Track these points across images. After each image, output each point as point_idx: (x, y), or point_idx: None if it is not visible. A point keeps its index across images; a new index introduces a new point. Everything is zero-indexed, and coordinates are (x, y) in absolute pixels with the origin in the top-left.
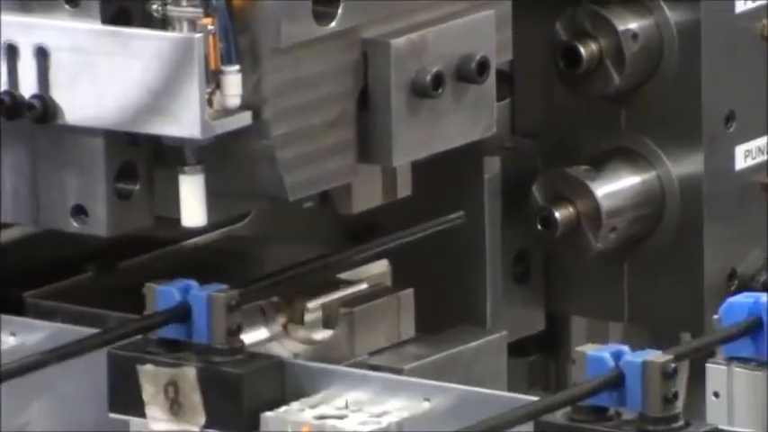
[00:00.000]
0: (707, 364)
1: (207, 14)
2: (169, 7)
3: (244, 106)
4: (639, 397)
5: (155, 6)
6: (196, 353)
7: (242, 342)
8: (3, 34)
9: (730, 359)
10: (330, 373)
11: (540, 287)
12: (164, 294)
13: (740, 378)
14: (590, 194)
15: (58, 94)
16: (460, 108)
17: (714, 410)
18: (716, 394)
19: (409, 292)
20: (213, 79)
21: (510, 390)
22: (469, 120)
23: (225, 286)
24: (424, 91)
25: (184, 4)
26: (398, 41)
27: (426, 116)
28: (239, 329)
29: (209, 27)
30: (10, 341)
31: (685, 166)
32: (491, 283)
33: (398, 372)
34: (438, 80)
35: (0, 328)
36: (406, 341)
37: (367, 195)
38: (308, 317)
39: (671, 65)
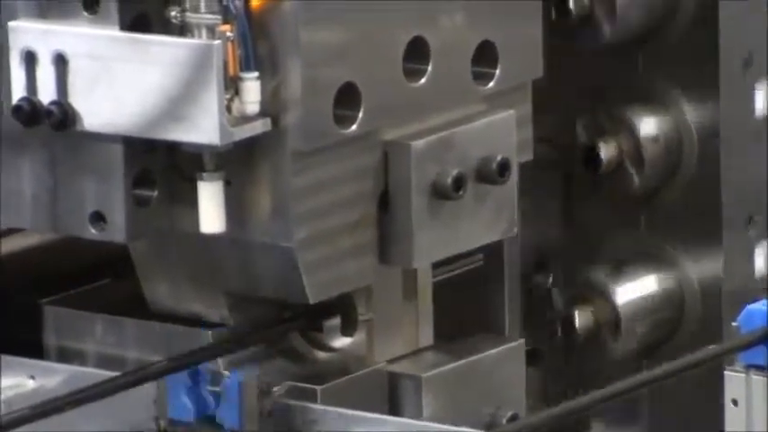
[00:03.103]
0: (725, 372)
1: (225, 21)
2: (188, 14)
3: (263, 113)
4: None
5: (173, 13)
6: None
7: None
8: (22, 41)
9: (748, 366)
10: (348, 418)
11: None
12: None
13: (758, 385)
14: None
15: (77, 100)
16: (481, 209)
17: (732, 418)
18: (734, 402)
19: (428, 299)
20: (232, 86)
21: (527, 397)
22: (490, 220)
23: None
24: (445, 193)
25: (203, 10)
26: (419, 143)
27: (447, 218)
28: (270, 414)
29: (228, 34)
30: (29, 384)
31: (705, 267)
32: (509, 291)
33: (417, 379)
34: (459, 182)
35: None
36: (425, 348)
37: None
38: (326, 324)
39: (690, 165)
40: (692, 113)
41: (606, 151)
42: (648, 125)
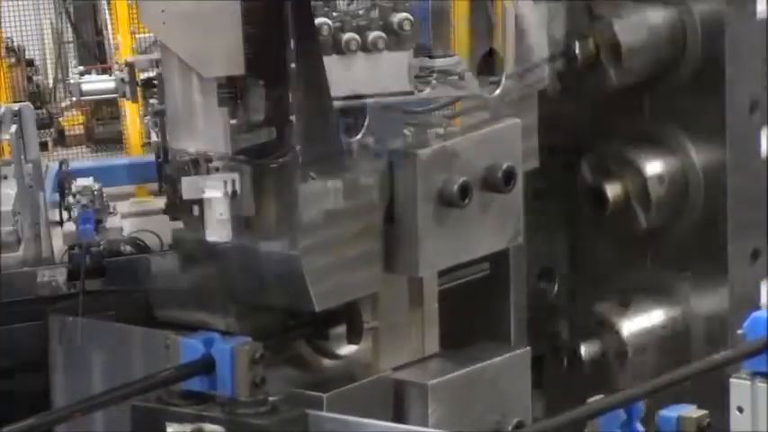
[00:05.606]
0: (731, 379)
1: None
2: None
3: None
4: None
5: None
6: (220, 405)
7: (266, 394)
8: None
9: (754, 374)
10: (353, 426)
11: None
12: (188, 347)
13: (764, 393)
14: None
15: None
16: (487, 217)
17: (738, 425)
18: (740, 409)
19: (433, 307)
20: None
21: (534, 405)
22: (496, 229)
23: (248, 339)
24: (451, 201)
25: None
26: (425, 152)
27: (453, 226)
28: (263, 381)
29: None
30: None
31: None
32: (515, 300)
33: (423, 387)
34: (464, 191)
35: None
36: (431, 356)
37: None
38: (332, 331)
39: (697, 205)
40: (698, 155)
41: (612, 191)
42: (655, 166)
